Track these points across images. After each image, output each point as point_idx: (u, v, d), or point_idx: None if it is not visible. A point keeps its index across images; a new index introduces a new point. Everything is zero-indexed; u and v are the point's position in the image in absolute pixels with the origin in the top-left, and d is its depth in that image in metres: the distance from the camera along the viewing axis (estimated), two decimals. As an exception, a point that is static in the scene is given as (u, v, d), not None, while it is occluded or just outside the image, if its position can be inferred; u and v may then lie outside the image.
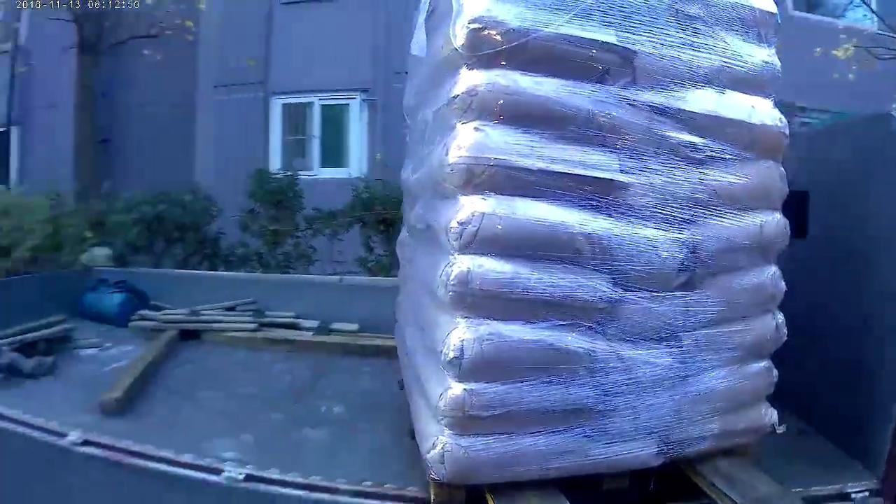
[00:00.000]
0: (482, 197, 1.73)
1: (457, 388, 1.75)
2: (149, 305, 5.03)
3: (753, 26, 2.03)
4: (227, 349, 4.27)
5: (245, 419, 2.87)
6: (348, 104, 9.03)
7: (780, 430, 2.15)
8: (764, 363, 2.12)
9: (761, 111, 2.01)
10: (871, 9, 8.09)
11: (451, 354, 1.72)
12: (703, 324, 1.98)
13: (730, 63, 1.97)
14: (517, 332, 1.77)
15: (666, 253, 1.88)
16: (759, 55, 2.03)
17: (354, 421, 2.78)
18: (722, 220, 1.96)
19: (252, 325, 4.48)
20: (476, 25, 1.72)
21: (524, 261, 1.76)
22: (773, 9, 2.07)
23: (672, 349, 1.94)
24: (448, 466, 1.77)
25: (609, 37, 1.82)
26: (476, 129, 1.74)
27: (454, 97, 1.76)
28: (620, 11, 1.84)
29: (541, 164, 1.76)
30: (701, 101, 1.93)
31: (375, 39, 8.70)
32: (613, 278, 1.84)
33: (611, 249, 1.82)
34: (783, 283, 2.10)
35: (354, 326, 4.39)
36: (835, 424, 2.46)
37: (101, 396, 3.03)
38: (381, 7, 8.66)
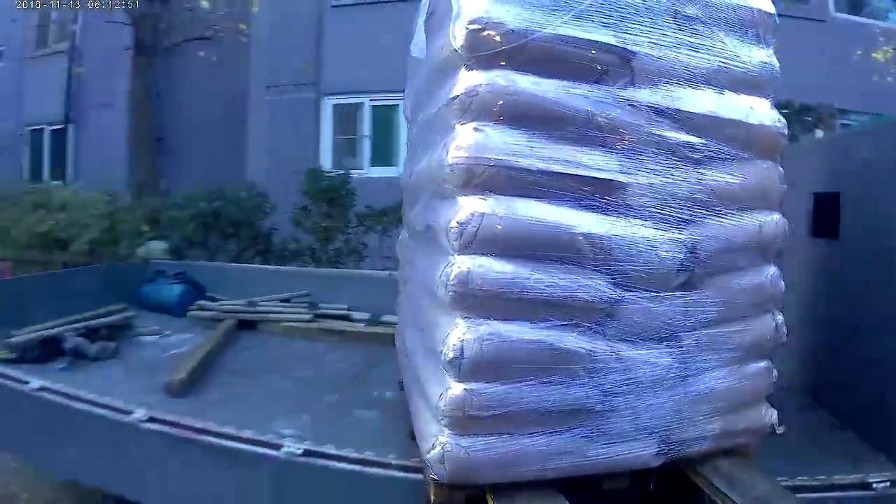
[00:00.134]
0: (482, 197, 1.74)
1: (457, 389, 1.75)
2: (205, 296, 5.23)
3: (752, 27, 2.04)
4: (283, 338, 4.44)
5: (301, 401, 3.03)
6: (398, 105, 9.20)
7: (780, 430, 2.15)
8: (764, 363, 2.12)
9: (759, 111, 2.02)
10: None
11: (451, 354, 1.72)
12: (702, 324, 1.98)
13: (728, 63, 1.97)
14: (517, 332, 1.77)
15: (665, 253, 1.88)
16: (758, 56, 2.04)
17: (404, 405, 2.86)
18: (721, 220, 1.97)
19: (307, 316, 4.65)
20: (475, 26, 1.73)
21: (524, 261, 1.77)
22: (772, 9, 2.07)
23: (672, 349, 1.94)
24: (448, 466, 1.77)
25: (608, 38, 1.82)
26: (476, 129, 1.74)
27: (454, 98, 1.77)
28: (619, 12, 1.84)
29: (540, 165, 1.76)
30: (699, 101, 1.94)
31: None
32: (613, 278, 1.84)
33: (610, 249, 1.82)
34: (782, 283, 2.11)
35: (404, 319, 4.57)
36: (863, 419, 2.56)
37: (166, 377, 3.21)
38: (429, 8, 8.93)
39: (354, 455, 2.18)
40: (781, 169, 2.09)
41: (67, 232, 7.21)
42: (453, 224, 1.73)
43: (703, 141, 1.94)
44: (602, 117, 1.82)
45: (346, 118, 9.70)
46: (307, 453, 2.21)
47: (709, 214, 1.95)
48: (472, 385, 1.75)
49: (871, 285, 2.55)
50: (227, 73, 10.49)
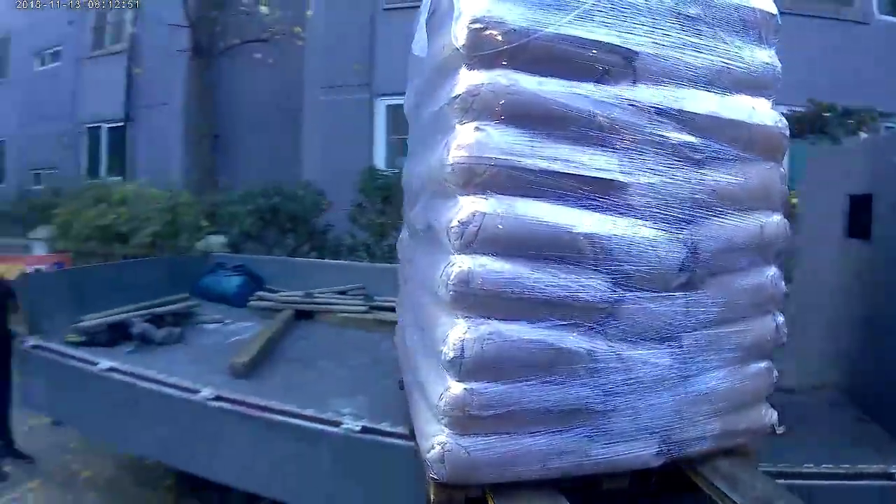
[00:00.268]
0: (483, 197, 1.73)
1: (457, 388, 1.75)
2: (264, 288, 5.44)
3: (754, 27, 2.03)
4: (340, 329, 4.62)
5: (358, 384, 3.19)
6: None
7: (780, 430, 2.15)
8: (764, 363, 2.12)
9: (761, 112, 2.02)
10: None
11: (452, 354, 1.72)
12: (703, 324, 1.98)
13: (730, 64, 1.97)
14: (518, 331, 1.77)
15: (666, 253, 1.88)
16: (760, 56, 2.04)
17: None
18: (722, 220, 1.97)
19: (363, 308, 4.81)
20: (477, 25, 1.72)
21: (525, 261, 1.76)
22: (774, 10, 2.07)
23: (672, 349, 1.94)
24: (448, 466, 1.77)
25: (610, 37, 1.82)
26: (477, 128, 1.74)
27: (455, 97, 1.76)
28: (622, 12, 1.83)
29: (542, 164, 1.76)
30: (701, 101, 1.93)
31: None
32: (614, 278, 1.84)
33: (611, 249, 1.82)
34: (783, 284, 2.11)
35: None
36: (888, 413, 2.67)
37: (229, 361, 3.42)
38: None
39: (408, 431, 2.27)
40: (783, 170, 2.09)
41: (129, 225, 7.55)
42: (454, 223, 1.73)
43: (705, 141, 1.93)
44: (604, 117, 1.81)
45: (400, 118, 9.93)
46: (364, 430, 2.37)
47: (710, 215, 1.95)
48: (473, 385, 1.75)
49: None
50: (282, 75, 10.93)
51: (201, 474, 2.98)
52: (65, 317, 4.13)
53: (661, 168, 1.89)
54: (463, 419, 1.75)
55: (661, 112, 1.88)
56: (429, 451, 1.80)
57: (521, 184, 1.76)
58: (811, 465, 2.16)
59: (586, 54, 1.80)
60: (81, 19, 13.91)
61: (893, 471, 2.18)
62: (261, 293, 5.31)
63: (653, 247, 1.87)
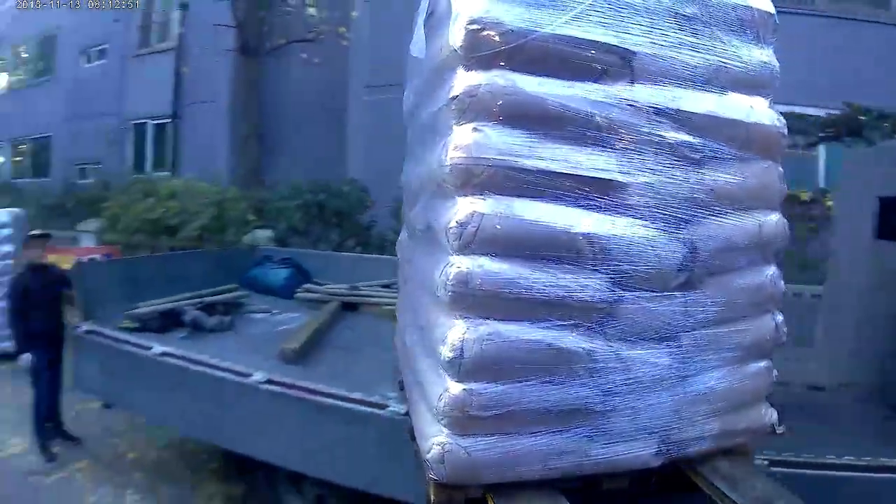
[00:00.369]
0: (481, 197, 1.74)
1: (456, 389, 1.75)
2: (311, 281, 5.65)
3: (752, 27, 2.03)
4: (384, 320, 4.66)
5: None
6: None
7: (780, 430, 2.15)
8: (763, 363, 2.12)
9: (759, 111, 2.01)
10: None
11: (451, 355, 1.72)
12: (702, 323, 1.98)
13: (728, 63, 1.97)
14: (517, 332, 1.77)
15: (665, 253, 1.88)
16: (758, 55, 2.03)
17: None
18: (720, 219, 1.96)
19: None
20: (474, 26, 1.72)
21: (523, 261, 1.77)
22: (772, 9, 2.07)
23: (671, 349, 1.94)
24: (448, 467, 1.77)
25: (608, 37, 1.82)
26: (475, 129, 1.74)
27: (453, 98, 1.76)
28: (619, 12, 1.83)
29: (540, 165, 1.76)
30: (699, 101, 1.93)
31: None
32: (612, 278, 1.84)
33: (610, 249, 1.82)
34: (782, 283, 2.10)
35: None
36: None
37: (280, 346, 3.58)
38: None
39: None
40: (781, 169, 2.08)
41: (177, 219, 7.76)
42: (452, 224, 1.73)
43: (703, 141, 1.93)
44: (602, 117, 1.81)
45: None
46: (409, 413, 2.38)
47: (708, 214, 1.95)
48: (472, 385, 1.75)
49: None
50: (327, 74, 11.20)
51: (250, 454, 3.11)
52: (117, 304, 4.35)
53: (659, 168, 1.89)
54: (462, 420, 1.75)
55: (659, 112, 1.87)
56: (428, 452, 1.80)
57: (519, 184, 1.76)
58: (833, 457, 2.21)
59: (584, 54, 1.80)
60: (127, 18, 14.35)
61: None
62: (308, 285, 5.51)
63: (651, 246, 1.87)
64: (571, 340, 1.81)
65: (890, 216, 2.84)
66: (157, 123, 14.09)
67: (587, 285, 1.81)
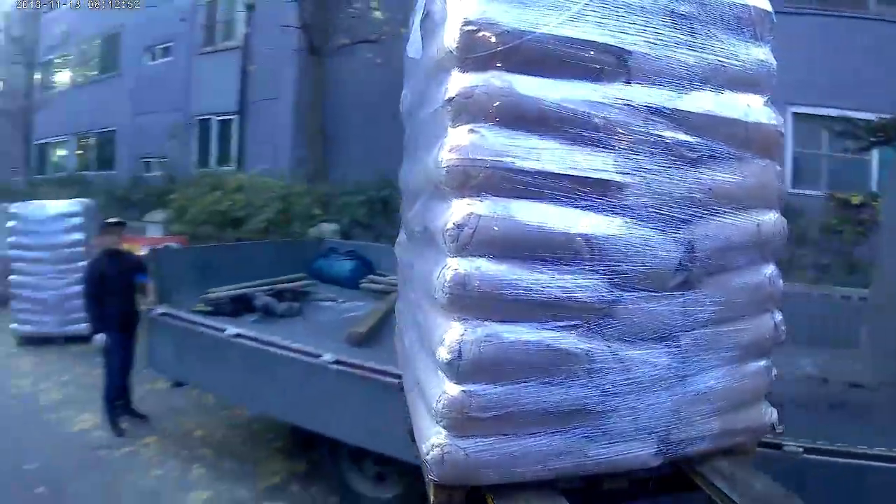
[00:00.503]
0: (478, 199, 1.73)
1: (455, 390, 1.75)
2: (374, 272, 5.86)
3: (749, 25, 2.02)
4: None
5: None
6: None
7: (780, 429, 2.15)
8: (763, 362, 2.11)
9: (757, 110, 2.00)
10: None
11: (449, 356, 1.72)
12: (701, 323, 1.97)
13: (725, 62, 1.96)
14: (515, 333, 1.77)
15: (663, 252, 1.87)
16: (755, 54, 2.02)
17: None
18: (719, 219, 1.96)
19: None
20: (470, 27, 1.72)
21: (521, 262, 1.76)
22: (769, 7, 2.06)
23: (670, 349, 1.94)
24: (448, 468, 1.77)
25: (604, 37, 1.81)
26: (471, 130, 1.73)
27: (449, 99, 1.76)
28: (615, 11, 1.83)
29: (537, 166, 1.76)
30: (696, 100, 1.92)
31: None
32: (611, 279, 1.84)
33: (608, 250, 1.82)
34: (781, 283, 2.10)
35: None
36: None
37: (348, 330, 3.81)
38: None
39: None
40: (780, 167, 2.08)
41: (244, 211, 7.98)
42: (449, 226, 1.72)
43: (701, 140, 1.92)
44: (598, 117, 1.81)
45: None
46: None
47: (707, 214, 1.94)
48: (471, 387, 1.75)
49: None
50: (390, 75, 11.06)
51: (317, 430, 3.30)
52: (190, 289, 4.57)
53: (656, 167, 1.88)
54: (461, 421, 1.75)
55: (656, 111, 1.87)
56: (428, 453, 1.80)
57: (516, 185, 1.75)
58: (865, 447, 2.27)
59: (580, 54, 1.79)
60: (192, 18, 14.95)
61: None
62: (372, 276, 5.71)
63: (650, 246, 1.86)
64: (570, 341, 1.81)
65: None
66: (222, 119, 14.50)
67: (585, 286, 1.81)
